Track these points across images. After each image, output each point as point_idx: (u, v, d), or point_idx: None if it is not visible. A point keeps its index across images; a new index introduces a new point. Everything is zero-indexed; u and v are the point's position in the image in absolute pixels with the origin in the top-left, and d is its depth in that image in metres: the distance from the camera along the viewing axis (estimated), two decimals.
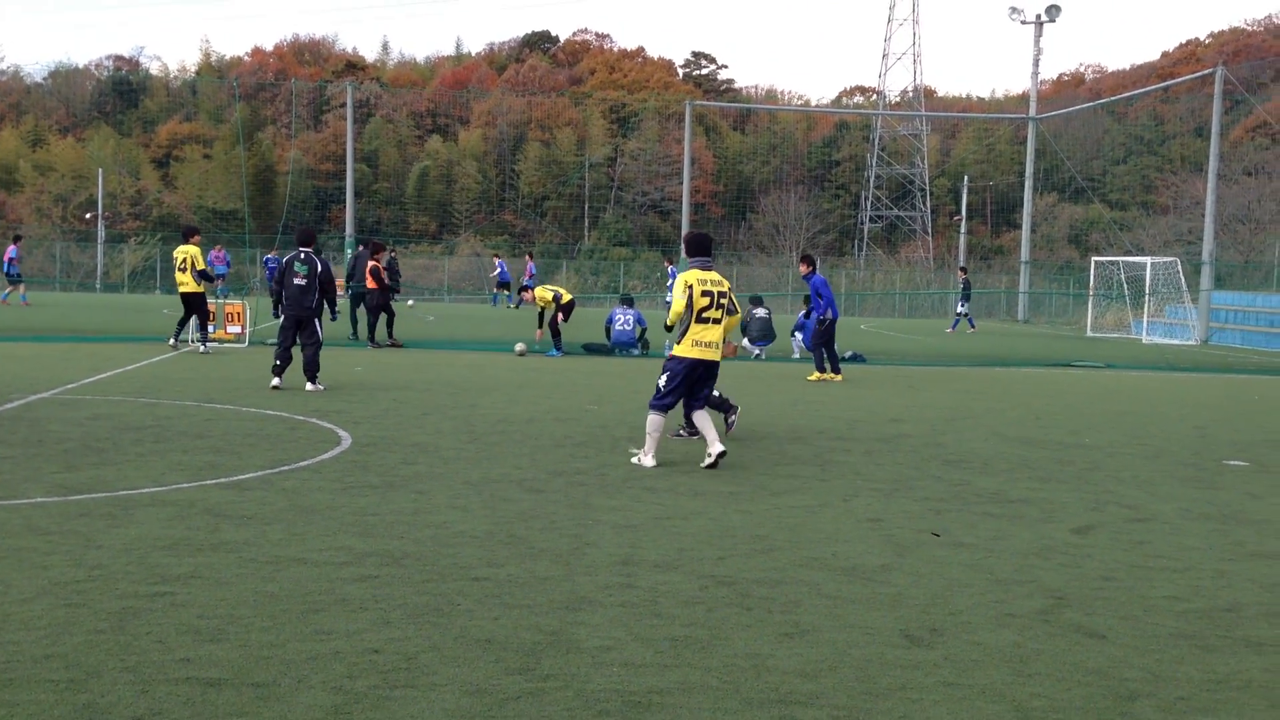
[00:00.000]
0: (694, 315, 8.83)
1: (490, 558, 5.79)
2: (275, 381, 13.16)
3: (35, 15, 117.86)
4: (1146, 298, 35.18)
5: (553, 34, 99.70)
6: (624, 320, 20.94)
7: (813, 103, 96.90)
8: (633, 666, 4.27)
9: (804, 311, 21.78)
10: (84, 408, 10.93)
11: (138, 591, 4.99)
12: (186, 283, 17.35)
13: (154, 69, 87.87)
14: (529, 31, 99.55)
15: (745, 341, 21.10)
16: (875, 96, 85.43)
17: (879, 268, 69.64)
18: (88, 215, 59.80)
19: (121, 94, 78.41)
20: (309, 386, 13.10)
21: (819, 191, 77.79)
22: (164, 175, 71.28)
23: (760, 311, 21.42)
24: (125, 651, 4.23)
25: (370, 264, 20.28)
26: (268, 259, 28.24)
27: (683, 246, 9.89)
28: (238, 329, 19.73)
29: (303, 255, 13.34)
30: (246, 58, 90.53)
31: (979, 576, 5.76)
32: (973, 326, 35.42)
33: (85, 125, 74.97)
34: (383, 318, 20.37)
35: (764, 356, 20.93)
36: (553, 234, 70.03)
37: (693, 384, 9.02)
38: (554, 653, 4.39)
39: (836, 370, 17.03)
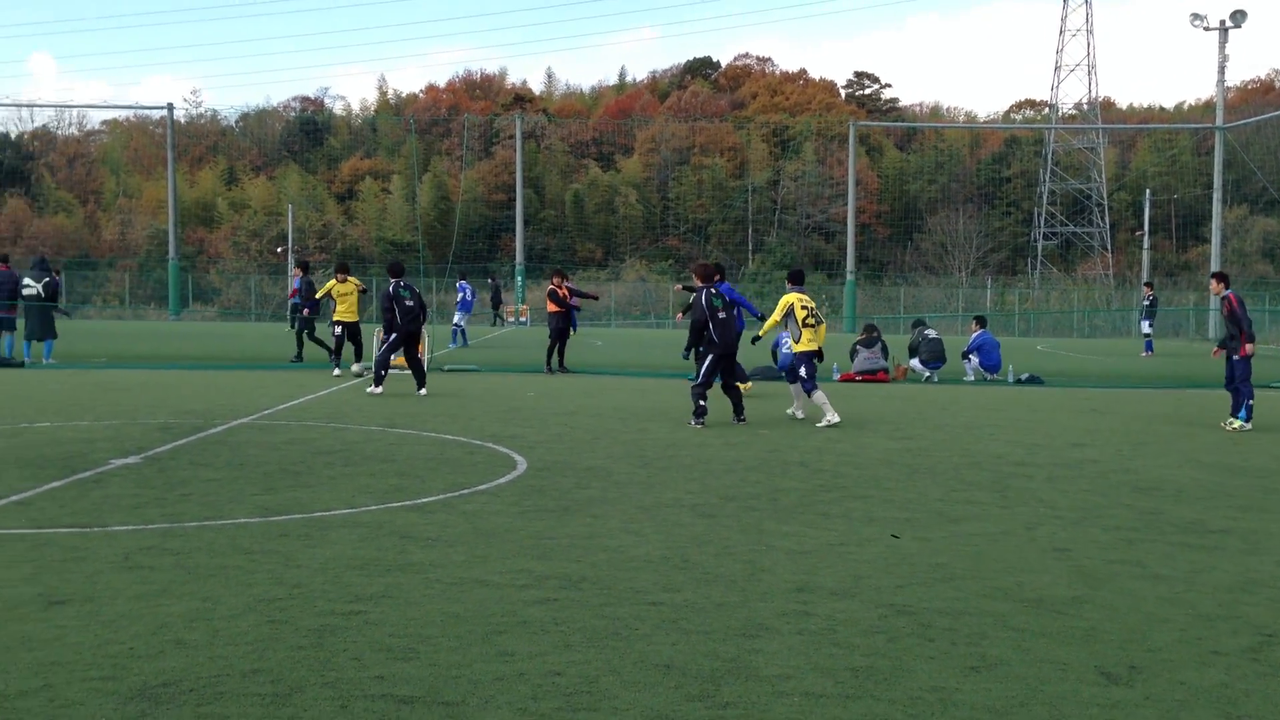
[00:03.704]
0: (800, 324, 13.30)
1: (666, 583, 5.83)
2: (378, 389, 15.60)
3: (229, 62, 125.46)
4: None
5: (714, 60, 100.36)
6: (789, 343, 20.78)
7: (980, 118, 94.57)
8: (814, 697, 4.23)
9: (978, 333, 21.21)
10: (280, 432, 11.52)
11: (334, 609, 5.22)
12: (344, 314, 18.86)
13: (337, 109, 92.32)
14: (691, 58, 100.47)
15: (915, 363, 20.68)
16: (1047, 110, 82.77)
17: (1054, 286, 67.25)
18: (278, 249, 63.05)
19: (308, 133, 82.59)
20: (421, 391, 15.80)
21: (988, 209, 75.78)
22: (346, 209, 74.64)
23: (931, 333, 20.96)
24: (325, 668, 4.43)
25: (549, 286, 20.90)
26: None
27: (788, 277, 14.10)
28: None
29: (404, 283, 16.08)
30: (421, 95, 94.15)
31: (1179, 611, 5.48)
32: (1148, 350, 32.72)
33: (275, 164, 79.21)
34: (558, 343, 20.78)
35: (935, 379, 20.46)
36: (716, 258, 70.17)
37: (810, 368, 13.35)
38: (733, 680, 4.38)
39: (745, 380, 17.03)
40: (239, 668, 4.40)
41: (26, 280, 20.66)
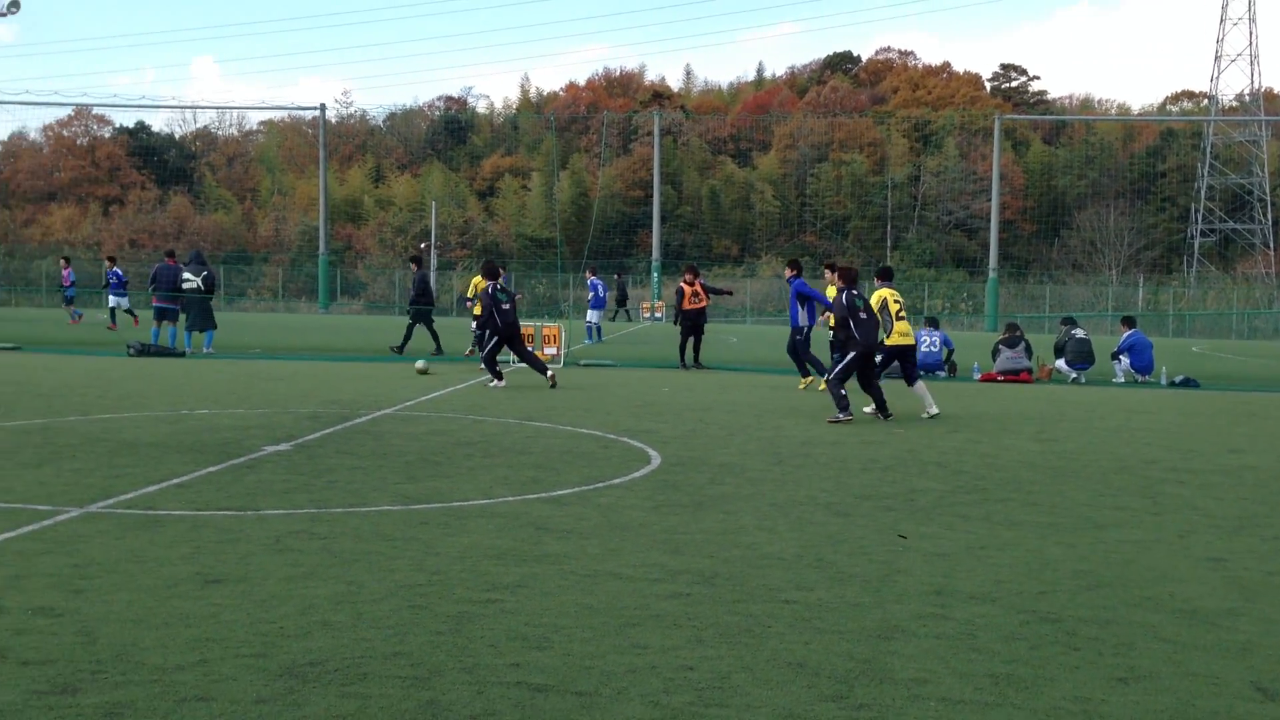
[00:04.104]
0: (895, 318, 13.68)
1: (799, 581, 5.78)
2: (501, 384, 16.12)
3: (378, 64, 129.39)
4: None
5: (855, 54, 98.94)
6: (929, 342, 20.38)
7: (1134, 110, 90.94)
8: (951, 702, 4.14)
9: (1129, 333, 20.42)
10: (421, 423, 11.84)
11: (472, 597, 5.33)
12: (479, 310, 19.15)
13: (480, 107, 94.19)
14: (831, 53, 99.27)
15: (1061, 363, 20.03)
16: (1206, 101, 79.07)
17: (1212, 285, 64.23)
18: (422, 245, 64.78)
19: (451, 132, 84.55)
20: (549, 377, 16.35)
21: (1141, 205, 72.84)
22: (487, 206, 76.15)
23: (1078, 332, 20.26)
24: (463, 653, 4.53)
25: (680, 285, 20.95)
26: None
27: (877, 274, 14.52)
28: (553, 350, 20.74)
29: (501, 286, 16.60)
30: (562, 92, 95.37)
31: None
32: None
33: (420, 162, 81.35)
34: (691, 339, 20.77)
35: (1083, 380, 19.78)
36: (854, 255, 69.21)
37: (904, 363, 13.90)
38: (867, 682, 4.32)
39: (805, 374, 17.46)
40: (381, 650, 4.54)
41: (186, 274, 21.69)
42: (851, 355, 13.07)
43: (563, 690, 4.15)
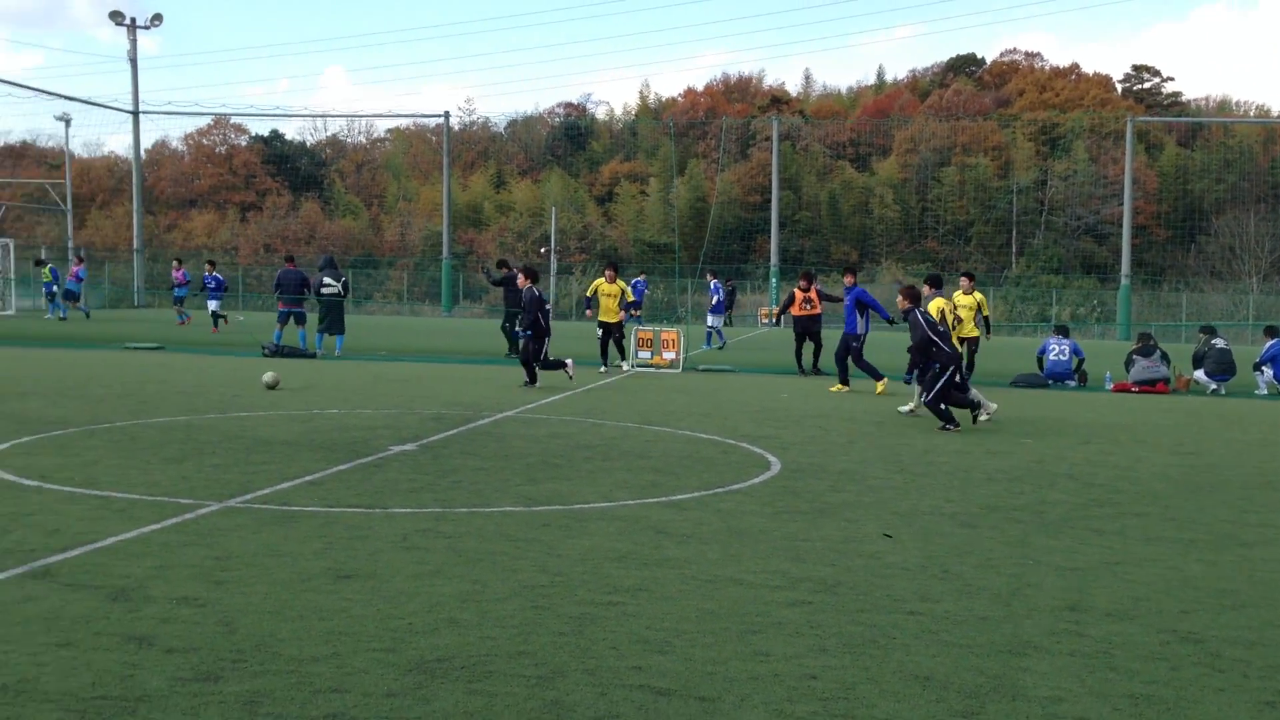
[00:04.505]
0: (951, 327, 14.39)
1: (924, 592, 5.66)
2: (568, 370, 16.50)
3: (501, 71, 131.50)
4: None
5: (979, 57, 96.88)
6: (1058, 350, 19.82)
7: (1275, 112, 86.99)
8: None
9: (1271, 343, 19.54)
10: (542, 426, 11.97)
11: (594, 599, 5.37)
12: (605, 314, 19.52)
13: (599, 113, 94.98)
14: (954, 55, 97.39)
15: (1200, 374, 19.25)
16: None
17: None
18: (542, 250, 65.58)
19: (571, 138, 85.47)
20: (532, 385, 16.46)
21: None
22: (605, 211, 76.74)
23: (1219, 342, 19.45)
24: (585, 655, 4.56)
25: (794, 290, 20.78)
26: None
27: (927, 281, 15.17)
28: (672, 354, 20.78)
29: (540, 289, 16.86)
30: (680, 98, 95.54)
31: None
32: None
33: (540, 168, 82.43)
34: (810, 346, 20.56)
35: (1223, 391, 18.98)
36: (977, 261, 67.72)
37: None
38: (998, 698, 4.20)
39: (845, 381, 17.59)
40: (506, 649, 4.60)
41: (326, 279, 22.25)
42: (948, 371, 12.85)
43: (685, 695, 4.14)
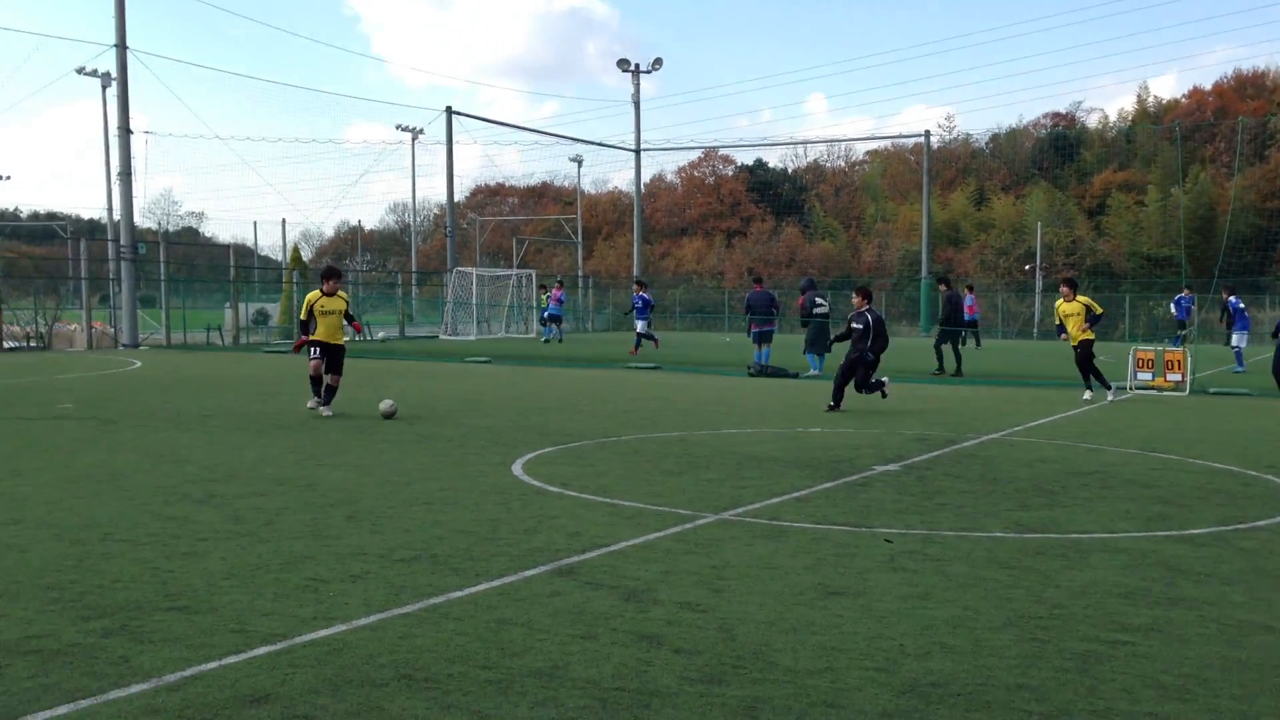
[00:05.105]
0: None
1: None
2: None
3: (981, 85, 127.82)
4: None
5: None
6: None
7: None
8: None
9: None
10: (1030, 450, 11.44)
11: (1099, 636, 5.03)
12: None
13: (1091, 121, 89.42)
14: None
15: None
16: None
17: None
18: (1026, 267, 62.89)
19: (1058, 149, 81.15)
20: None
21: None
22: (1096, 224, 72.02)
23: None
24: (1092, 695, 4.28)
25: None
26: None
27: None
28: (1177, 376, 19.03)
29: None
30: (1184, 99, 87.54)
31: None
32: None
33: (1024, 182, 79.06)
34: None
35: None
36: None
37: None
38: None
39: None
40: (1003, 680, 4.43)
41: (818, 299, 22.68)
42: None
43: None
